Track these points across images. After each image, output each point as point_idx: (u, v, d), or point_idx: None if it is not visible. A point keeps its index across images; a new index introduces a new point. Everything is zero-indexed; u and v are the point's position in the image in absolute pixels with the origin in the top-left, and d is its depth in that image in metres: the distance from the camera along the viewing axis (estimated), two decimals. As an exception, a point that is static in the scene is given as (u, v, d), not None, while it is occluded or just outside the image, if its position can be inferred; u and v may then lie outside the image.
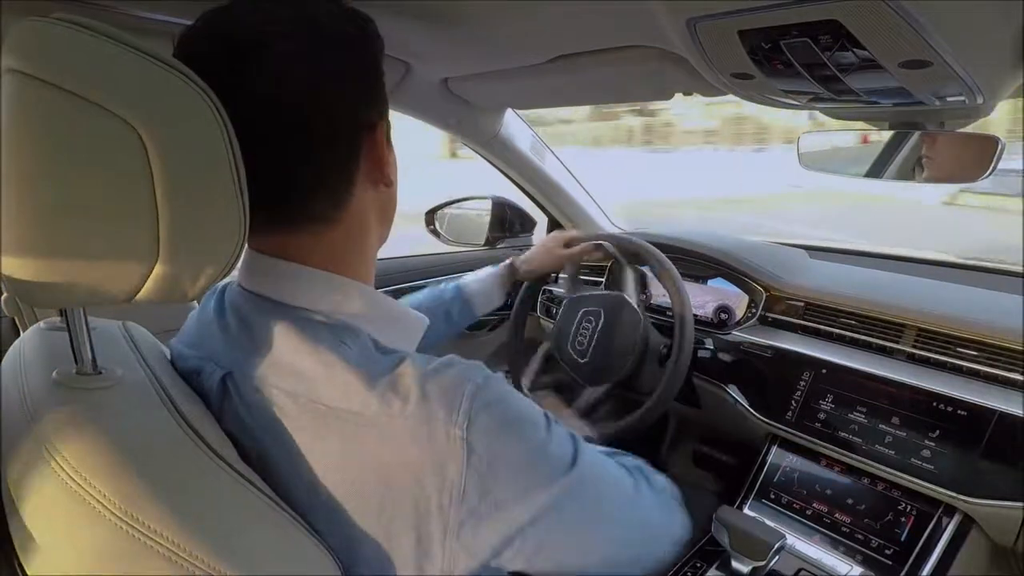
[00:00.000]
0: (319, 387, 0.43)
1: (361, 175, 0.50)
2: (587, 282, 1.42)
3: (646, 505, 0.56)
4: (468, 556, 0.42)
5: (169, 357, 0.55)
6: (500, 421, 0.43)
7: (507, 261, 1.12)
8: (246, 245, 0.49)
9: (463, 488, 0.41)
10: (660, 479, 0.63)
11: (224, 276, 0.44)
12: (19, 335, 0.56)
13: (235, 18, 0.44)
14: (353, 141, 0.48)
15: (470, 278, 1.08)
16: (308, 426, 0.42)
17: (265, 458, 0.43)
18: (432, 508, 0.40)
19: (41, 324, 0.55)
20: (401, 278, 1.38)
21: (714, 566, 0.91)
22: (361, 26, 0.49)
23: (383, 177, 0.51)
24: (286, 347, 0.45)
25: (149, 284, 0.39)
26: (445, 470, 0.40)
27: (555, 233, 1.19)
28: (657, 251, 1.05)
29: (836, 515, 0.96)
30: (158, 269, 0.39)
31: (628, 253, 1.13)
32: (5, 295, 0.97)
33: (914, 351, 0.94)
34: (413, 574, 0.42)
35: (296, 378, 0.43)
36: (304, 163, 0.46)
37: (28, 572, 0.37)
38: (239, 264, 0.50)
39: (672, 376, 0.99)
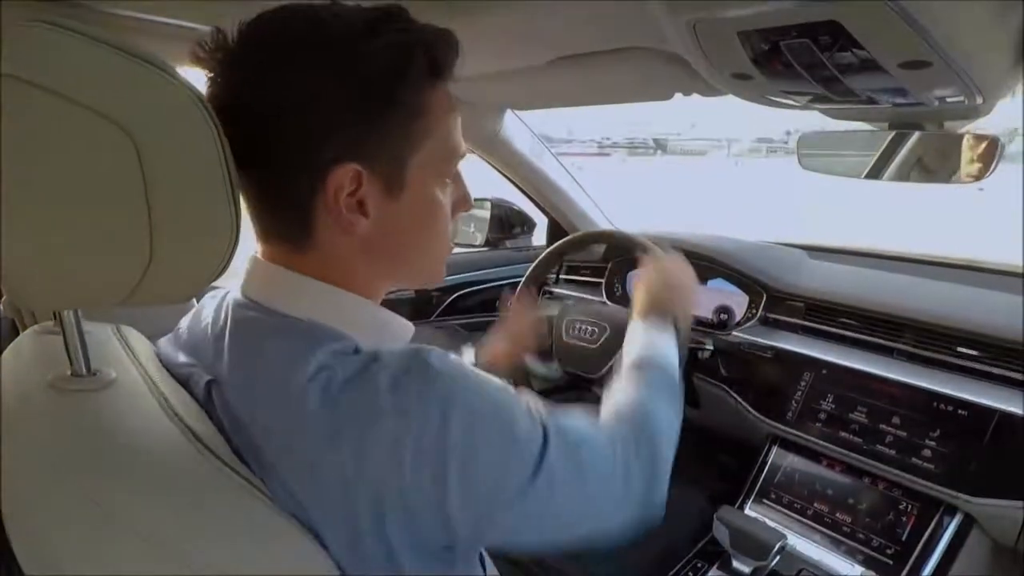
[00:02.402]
0: (289, 393, 0.42)
1: (320, 212, 0.46)
2: (586, 282, 1.42)
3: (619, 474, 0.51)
4: (450, 537, 0.43)
5: (160, 359, 0.55)
6: (472, 409, 0.43)
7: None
8: (255, 249, 0.50)
9: (446, 478, 0.41)
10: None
11: (217, 277, 0.44)
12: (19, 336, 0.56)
13: (244, 28, 0.44)
14: (301, 174, 0.45)
15: None
16: (283, 430, 0.42)
17: (250, 460, 0.43)
18: (420, 498, 0.41)
19: (36, 327, 0.55)
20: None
21: (715, 566, 0.91)
22: (369, 57, 0.43)
23: (342, 223, 0.46)
24: (261, 354, 0.44)
25: (143, 286, 0.39)
26: (423, 462, 0.40)
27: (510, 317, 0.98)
28: (648, 242, 1.04)
29: (837, 515, 0.96)
30: (151, 271, 0.39)
31: (622, 248, 1.13)
32: (5, 297, 0.97)
33: (914, 351, 0.94)
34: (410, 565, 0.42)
35: (268, 384, 0.43)
36: (257, 179, 0.46)
37: (25, 572, 0.37)
38: (245, 269, 0.51)
39: None
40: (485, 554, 0.63)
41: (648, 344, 0.69)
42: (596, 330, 1.01)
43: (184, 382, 0.49)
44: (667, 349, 0.69)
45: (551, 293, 1.43)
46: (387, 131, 0.45)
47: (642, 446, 0.53)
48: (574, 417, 0.50)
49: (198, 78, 0.45)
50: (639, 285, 0.80)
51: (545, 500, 0.45)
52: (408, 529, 0.42)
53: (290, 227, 0.47)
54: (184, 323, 0.56)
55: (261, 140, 0.44)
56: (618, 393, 0.61)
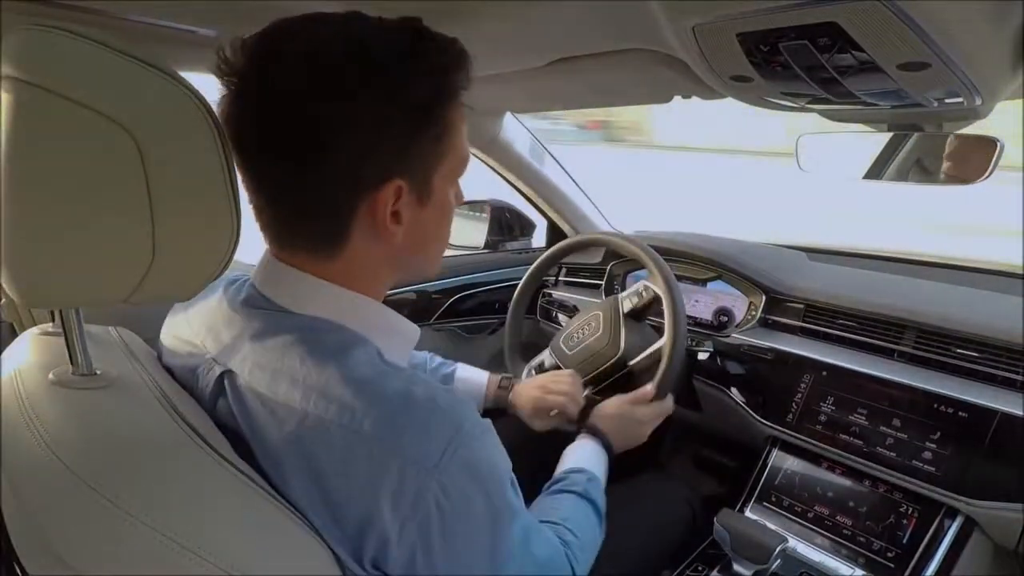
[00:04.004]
0: (318, 395, 0.43)
1: (360, 223, 0.48)
2: (585, 284, 1.42)
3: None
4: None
5: (158, 354, 0.56)
6: (474, 475, 0.45)
7: (505, 383, 0.96)
8: (268, 248, 0.52)
9: (427, 520, 0.42)
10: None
11: (219, 275, 0.45)
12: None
13: (275, 38, 0.45)
14: (348, 190, 0.47)
15: (465, 371, 0.97)
16: (306, 430, 0.43)
17: (259, 456, 0.44)
18: (395, 523, 0.42)
19: (35, 328, 0.55)
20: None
21: (716, 569, 0.91)
22: (412, 76, 0.45)
23: (383, 233, 0.48)
24: (293, 353, 0.45)
25: (145, 285, 0.40)
26: (419, 498, 0.42)
27: (561, 377, 0.95)
28: (651, 250, 1.04)
29: (838, 518, 0.96)
30: (154, 270, 0.39)
31: (623, 253, 1.13)
32: (4, 300, 0.97)
33: (914, 352, 0.94)
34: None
35: (298, 384, 0.44)
36: (295, 195, 0.47)
37: (28, 571, 0.37)
38: (258, 265, 0.52)
39: (665, 375, 0.98)
40: None
41: (589, 462, 0.77)
42: (590, 327, 1.02)
43: (188, 374, 0.50)
44: (602, 470, 0.78)
45: (550, 296, 1.43)
46: (424, 147, 0.48)
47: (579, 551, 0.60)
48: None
49: (198, 80, 0.45)
50: (606, 410, 0.88)
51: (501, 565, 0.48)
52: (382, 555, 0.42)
53: (323, 236, 0.48)
54: (189, 309, 0.56)
55: (306, 156, 0.45)
56: (562, 502, 0.68)
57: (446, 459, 0.43)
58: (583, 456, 0.79)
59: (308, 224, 0.48)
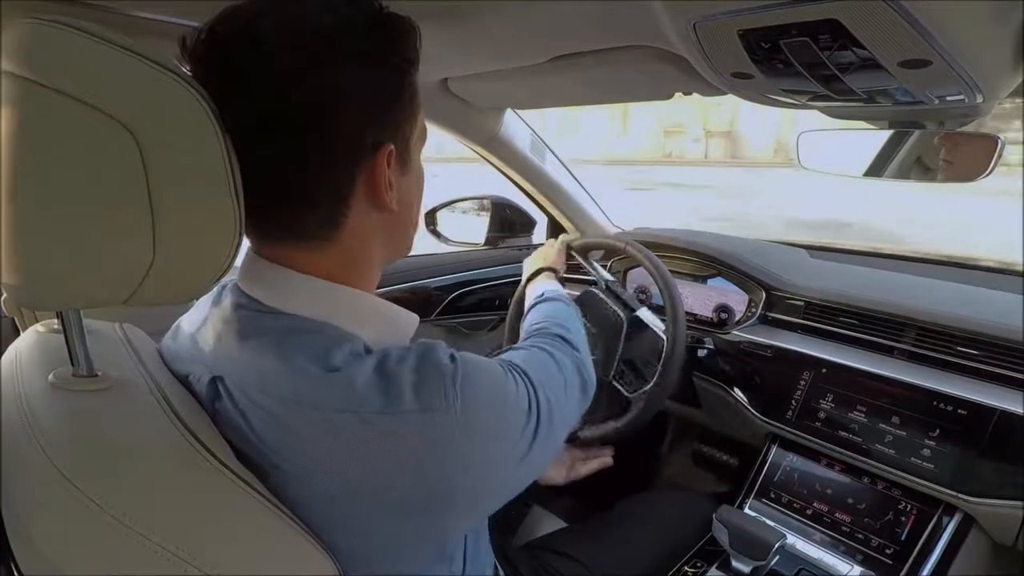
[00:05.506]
0: (308, 391, 0.43)
1: (358, 197, 0.48)
2: (586, 281, 1.42)
3: (573, 398, 0.62)
4: (465, 516, 0.47)
5: (161, 357, 0.55)
6: (481, 392, 0.46)
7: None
8: (251, 248, 0.51)
9: (463, 458, 0.44)
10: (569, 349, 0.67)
11: (220, 277, 0.44)
12: (19, 336, 0.56)
13: (248, 20, 0.44)
14: (348, 162, 0.47)
15: None
16: (301, 429, 0.42)
17: (259, 459, 0.43)
18: (439, 487, 0.43)
19: (38, 327, 0.55)
20: (401, 278, 1.38)
21: (714, 566, 0.91)
22: (387, 41, 0.47)
23: (380, 202, 0.48)
24: (275, 354, 0.45)
25: (145, 286, 0.39)
26: (447, 448, 0.43)
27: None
28: (645, 248, 1.04)
29: (836, 514, 0.96)
30: (154, 270, 0.38)
31: (617, 252, 1.13)
32: (5, 296, 0.97)
33: (914, 350, 0.94)
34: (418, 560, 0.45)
35: (285, 383, 0.43)
36: (293, 178, 0.46)
37: (24, 573, 0.37)
38: (240, 265, 0.51)
39: (665, 372, 0.98)
40: (498, 565, 0.64)
41: (544, 289, 0.89)
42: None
43: (184, 379, 0.49)
44: (556, 286, 0.92)
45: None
46: (403, 112, 0.49)
47: (571, 353, 0.65)
48: (527, 354, 0.60)
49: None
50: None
51: (546, 431, 0.52)
52: (424, 523, 0.44)
53: (318, 223, 0.48)
54: (184, 317, 0.56)
55: (294, 137, 0.44)
56: (541, 323, 0.74)
57: (460, 393, 0.44)
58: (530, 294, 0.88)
59: (302, 209, 0.47)
